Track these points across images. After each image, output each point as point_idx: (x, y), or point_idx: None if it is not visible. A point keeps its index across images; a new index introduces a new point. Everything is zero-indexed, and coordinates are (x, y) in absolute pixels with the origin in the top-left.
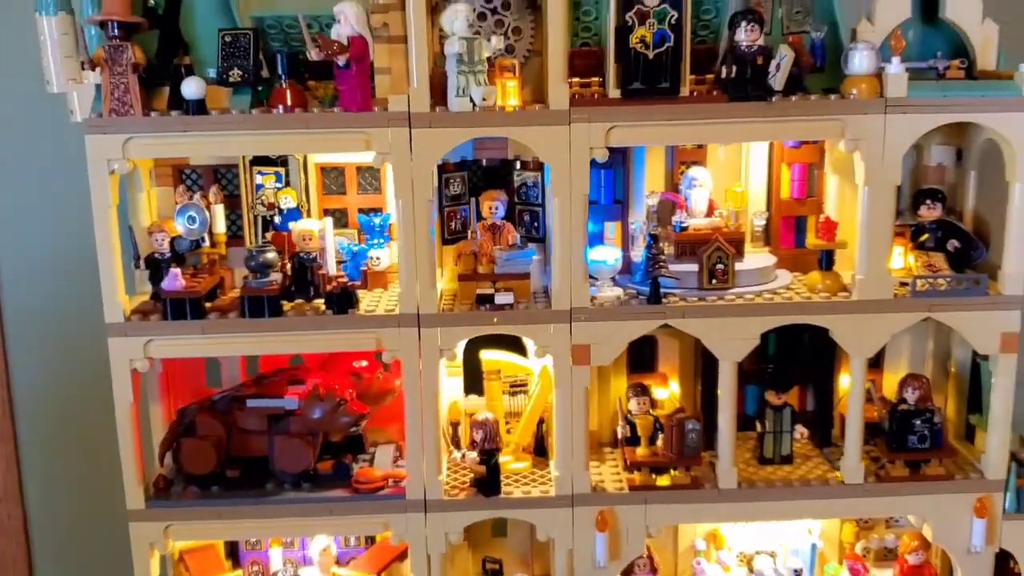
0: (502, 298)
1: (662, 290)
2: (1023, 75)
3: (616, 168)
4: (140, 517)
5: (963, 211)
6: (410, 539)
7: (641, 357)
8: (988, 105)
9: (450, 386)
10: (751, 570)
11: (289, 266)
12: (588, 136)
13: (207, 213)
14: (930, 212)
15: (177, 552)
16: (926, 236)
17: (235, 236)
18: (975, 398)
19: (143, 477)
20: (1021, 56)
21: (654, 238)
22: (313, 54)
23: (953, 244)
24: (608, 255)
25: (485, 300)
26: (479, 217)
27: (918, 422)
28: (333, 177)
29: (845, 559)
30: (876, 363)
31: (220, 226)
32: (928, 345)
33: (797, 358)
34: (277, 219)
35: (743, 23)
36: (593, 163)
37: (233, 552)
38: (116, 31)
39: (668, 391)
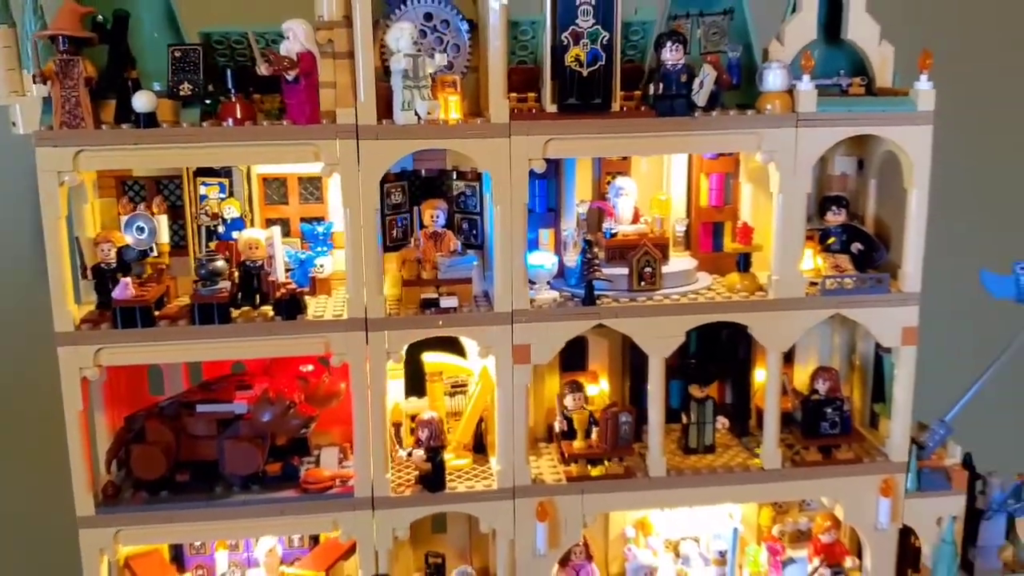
0: (447, 302)
1: (595, 292)
2: (918, 92)
3: (549, 179)
4: (90, 524)
5: (865, 216)
6: (358, 536)
7: (573, 357)
8: (888, 119)
9: (392, 388)
10: (677, 555)
11: (236, 274)
12: (527, 148)
13: (155, 223)
14: (836, 217)
15: (123, 559)
16: (832, 239)
17: (178, 246)
18: (878, 388)
19: (92, 484)
20: (914, 74)
21: (589, 243)
22: (263, 69)
23: (857, 247)
24: (546, 260)
25: (430, 304)
26: (420, 225)
27: (829, 410)
28: (275, 187)
29: (764, 541)
30: (787, 358)
31: (164, 236)
32: (834, 340)
33: (717, 354)
34: (221, 229)
35: (668, 43)
36: (529, 173)
37: (178, 557)
38: (66, 45)
39: (598, 388)
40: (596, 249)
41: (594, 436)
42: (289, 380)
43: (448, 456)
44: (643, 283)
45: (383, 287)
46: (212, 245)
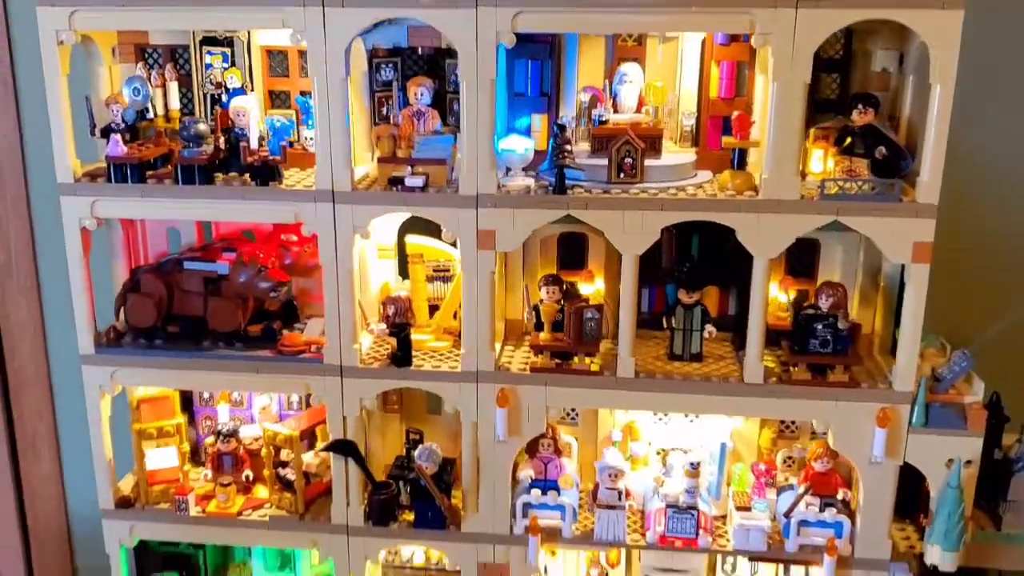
0: (412, 180)
1: (572, 182)
2: None
3: (543, 61)
4: (91, 362)
5: (900, 118)
6: (328, 401)
7: (571, 255)
8: (909, 0)
9: (382, 269)
10: (664, 463)
11: (223, 140)
12: (495, 20)
13: (150, 86)
14: (861, 117)
15: (135, 401)
16: (849, 140)
17: (189, 113)
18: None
19: (94, 325)
20: None
21: (560, 128)
22: None
23: (881, 151)
24: (518, 144)
25: (397, 182)
26: (406, 103)
27: (820, 327)
28: (278, 60)
29: (755, 463)
30: (809, 274)
31: (174, 102)
32: (860, 257)
33: (718, 260)
34: (224, 97)
35: None
36: (519, 54)
37: (188, 407)
38: None
39: (594, 287)
40: (567, 134)
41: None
42: (272, 247)
43: (427, 337)
44: (622, 175)
45: (351, 160)
46: (217, 112)
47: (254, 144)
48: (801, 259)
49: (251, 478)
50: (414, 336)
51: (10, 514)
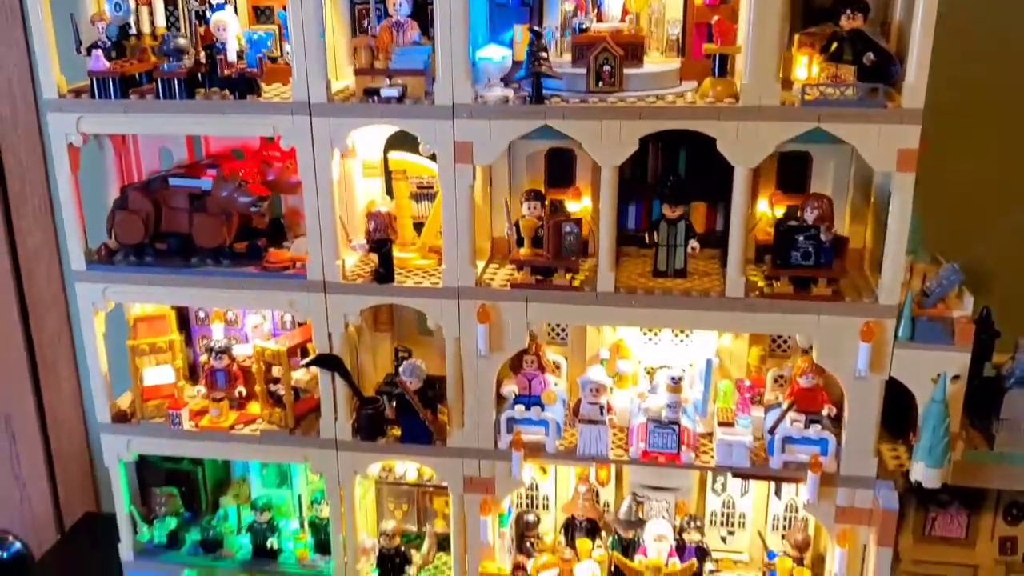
0: (388, 91)
1: (551, 92)
2: None
3: None
4: (82, 278)
5: (891, 23)
6: (312, 317)
7: (559, 172)
8: None
9: (368, 187)
10: (651, 381)
11: (204, 55)
12: None
13: (131, 1)
14: (850, 22)
15: (132, 320)
16: (835, 45)
17: (176, 29)
18: None
19: (84, 242)
20: None
21: (536, 35)
22: None
23: (868, 57)
24: (495, 53)
25: (372, 93)
26: (387, 14)
27: (801, 238)
28: None
29: (740, 379)
30: (801, 189)
31: (160, 20)
32: (851, 172)
33: (704, 175)
34: (209, 14)
35: None
36: None
37: (186, 327)
38: None
39: (581, 205)
40: (543, 41)
41: None
42: (255, 163)
43: (411, 255)
44: (601, 84)
45: (326, 71)
46: (201, 30)
47: (232, 57)
48: (793, 174)
49: (244, 394)
50: (400, 254)
51: (34, 435)
